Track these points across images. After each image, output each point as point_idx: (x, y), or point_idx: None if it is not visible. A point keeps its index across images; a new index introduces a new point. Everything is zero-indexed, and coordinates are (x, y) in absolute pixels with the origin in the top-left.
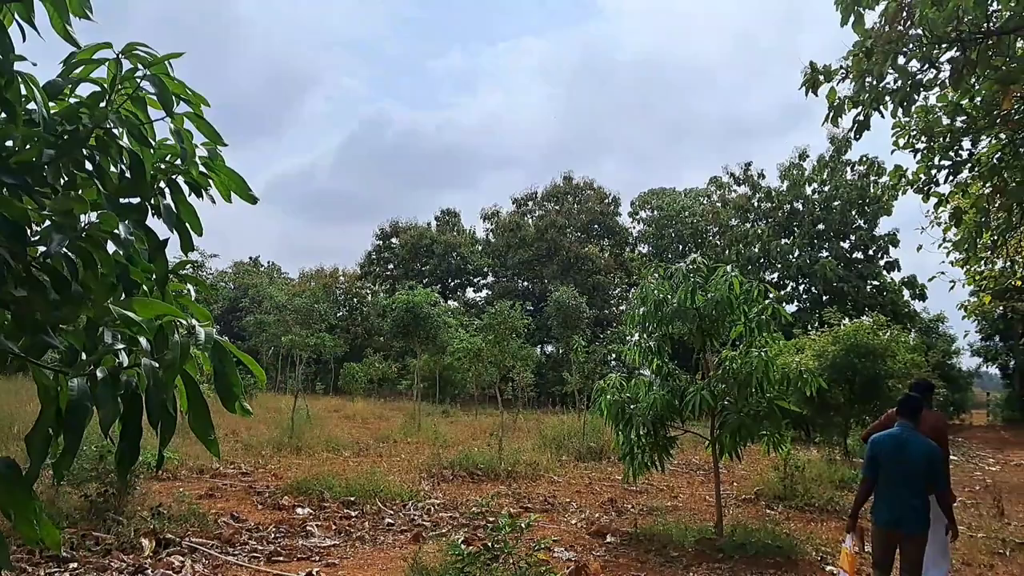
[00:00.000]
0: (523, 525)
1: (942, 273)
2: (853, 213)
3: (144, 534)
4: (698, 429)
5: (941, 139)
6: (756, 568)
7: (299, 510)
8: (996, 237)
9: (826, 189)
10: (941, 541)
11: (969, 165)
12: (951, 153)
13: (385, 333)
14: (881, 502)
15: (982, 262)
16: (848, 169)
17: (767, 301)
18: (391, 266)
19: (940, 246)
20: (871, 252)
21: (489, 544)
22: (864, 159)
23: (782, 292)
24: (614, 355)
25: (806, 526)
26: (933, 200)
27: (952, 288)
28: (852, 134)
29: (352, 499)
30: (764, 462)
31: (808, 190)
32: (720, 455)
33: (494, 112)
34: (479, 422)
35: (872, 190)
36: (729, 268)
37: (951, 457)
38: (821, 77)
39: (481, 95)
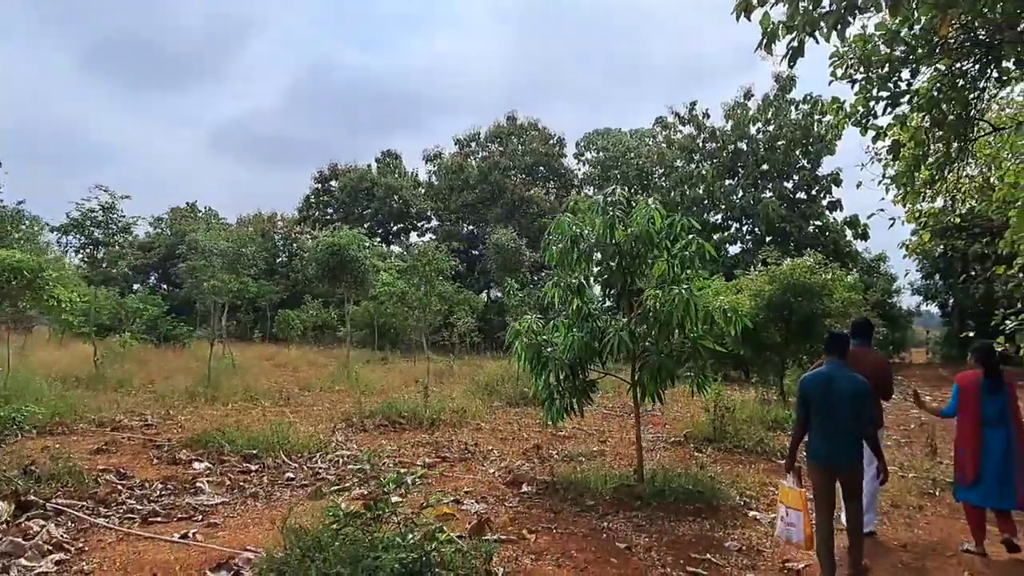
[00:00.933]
0: (411, 480)
1: (881, 210)
2: (797, 153)
3: (3, 496)
4: (624, 372)
5: (879, 69)
6: (675, 515)
7: (195, 465)
8: (934, 172)
9: (770, 129)
10: (871, 491)
11: (908, 97)
12: (890, 84)
13: (310, 277)
14: (815, 439)
15: (922, 199)
16: (792, 108)
17: (691, 236)
18: (330, 210)
19: (880, 183)
20: (814, 192)
21: (372, 503)
22: (808, 98)
23: (726, 233)
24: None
25: (733, 468)
26: (872, 134)
27: (892, 226)
28: (786, 63)
29: (254, 452)
30: (698, 403)
31: (752, 130)
32: (641, 398)
33: (445, 56)
34: (416, 369)
35: (816, 129)
36: (651, 201)
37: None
38: (754, 1)
39: (432, 38)
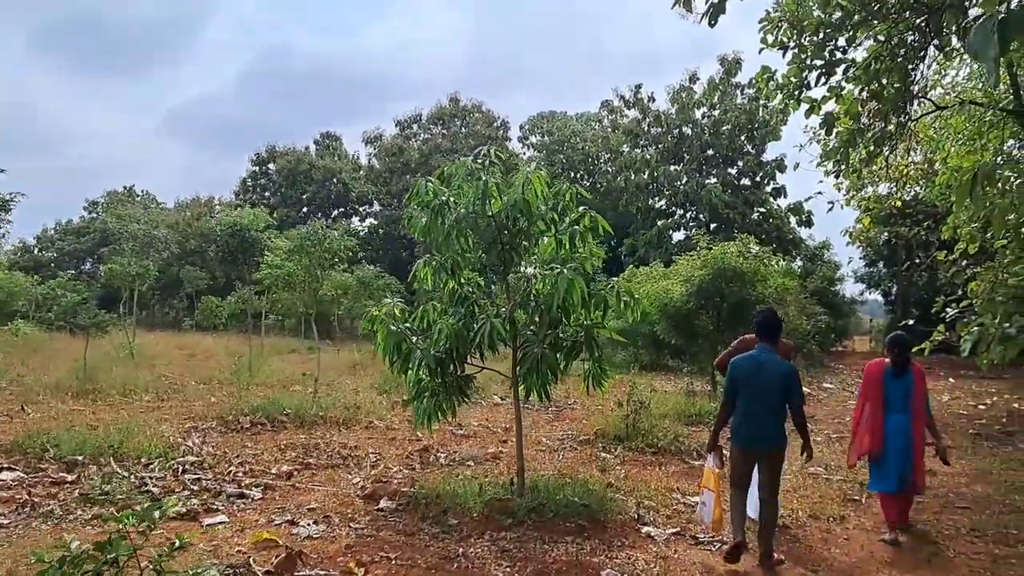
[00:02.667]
0: (160, 511)
1: (819, 193)
2: (742, 138)
3: None
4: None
5: (813, 36)
6: (552, 535)
7: (4, 475)
8: (871, 148)
9: (715, 113)
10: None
11: (844, 67)
12: (824, 52)
13: (209, 260)
14: (741, 422)
15: (858, 179)
16: (738, 92)
17: (582, 209)
18: (267, 193)
19: (818, 164)
20: (758, 178)
21: (106, 543)
22: (753, 81)
23: (670, 219)
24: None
25: (640, 472)
26: (805, 107)
27: (831, 209)
28: (706, 21)
29: (79, 458)
30: (617, 397)
31: (697, 114)
32: (526, 396)
33: (405, 41)
34: (341, 359)
35: (761, 114)
36: (532, 166)
37: (826, 385)
38: None
39: (391, 23)
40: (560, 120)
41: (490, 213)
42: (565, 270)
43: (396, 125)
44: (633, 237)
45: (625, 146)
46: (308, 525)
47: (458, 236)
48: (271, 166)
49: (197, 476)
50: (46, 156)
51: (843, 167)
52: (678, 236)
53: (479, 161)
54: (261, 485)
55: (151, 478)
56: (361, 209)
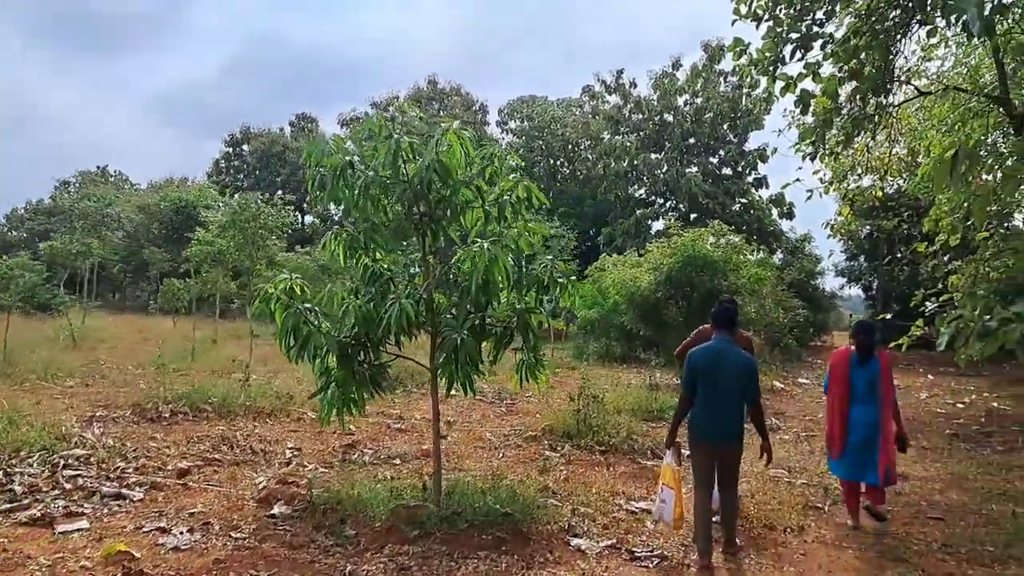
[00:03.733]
0: None
1: (798, 180)
2: (725, 127)
3: None
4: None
5: (788, 7)
6: (462, 549)
7: None
8: (849, 129)
9: (698, 101)
10: None
11: (821, 42)
12: (801, 25)
13: (152, 238)
14: (698, 415)
15: (846, 175)
16: (722, 80)
17: (513, 176)
18: (241, 175)
19: (794, 146)
20: (740, 168)
21: None
22: (737, 68)
23: (649, 208)
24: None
25: (585, 472)
26: (780, 85)
27: (809, 197)
28: None
29: None
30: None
31: (680, 101)
32: (447, 388)
33: (395, 32)
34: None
35: (744, 103)
36: (456, 123)
37: (801, 380)
38: None
39: (382, 13)
40: (540, 105)
41: (405, 178)
42: (488, 245)
43: (372, 107)
44: (611, 226)
45: (606, 133)
46: (180, 534)
47: (370, 203)
48: (245, 147)
49: (77, 473)
50: (26, 139)
51: (820, 148)
52: (658, 226)
53: (392, 115)
54: (147, 484)
55: (22, 474)
56: None
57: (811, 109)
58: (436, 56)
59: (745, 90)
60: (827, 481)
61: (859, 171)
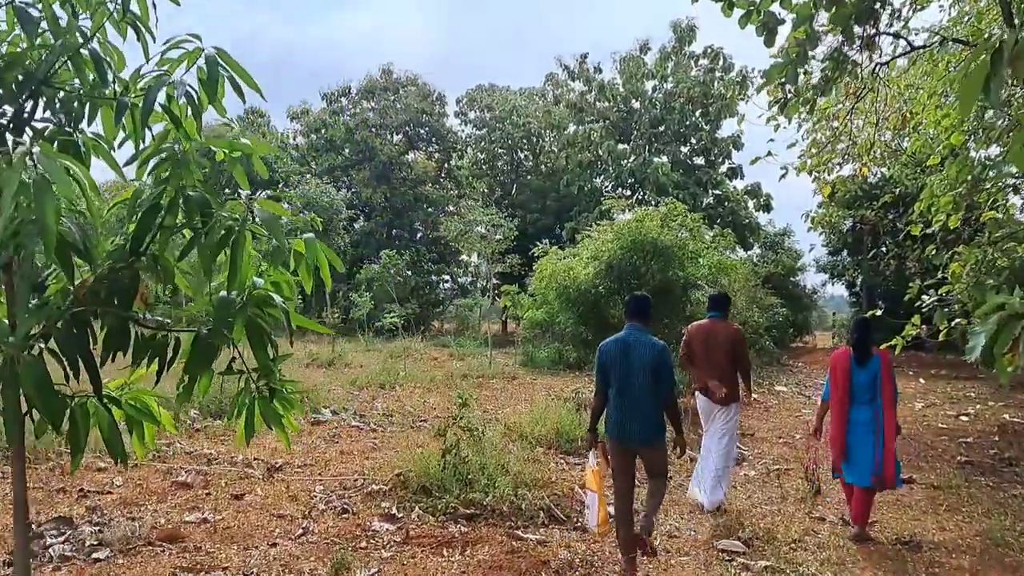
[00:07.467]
0: None
1: (770, 153)
2: (696, 114)
3: None
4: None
5: None
6: None
7: None
8: (827, 72)
9: (667, 86)
10: (718, 466)
11: None
12: None
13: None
14: (611, 412)
15: (808, 112)
16: (693, 63)
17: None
18: None
19: (768, 121)
20: (712, 157)
21: None
22: (708, 51)
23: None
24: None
25: (421, 562)
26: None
27: (784, 175)
28: None
29: None
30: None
31: (648, 87)
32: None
33: (371, 34)
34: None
35: (716, 87)
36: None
37: (779, 388)
38: None
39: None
40: (500, 94)
41: None
42: None
43: (323, 99)
44: (575, 220)
45: (571, 124)
46: None
47: None
48: None
49: None
50: None
51: (790, 95)
52: (624, 219)
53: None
54: None
55: None
56: (288, 191)
57: (778, 43)
58: (408, 54)
59: (718, 74)
60: (818, 514)
61: (838, 160)
